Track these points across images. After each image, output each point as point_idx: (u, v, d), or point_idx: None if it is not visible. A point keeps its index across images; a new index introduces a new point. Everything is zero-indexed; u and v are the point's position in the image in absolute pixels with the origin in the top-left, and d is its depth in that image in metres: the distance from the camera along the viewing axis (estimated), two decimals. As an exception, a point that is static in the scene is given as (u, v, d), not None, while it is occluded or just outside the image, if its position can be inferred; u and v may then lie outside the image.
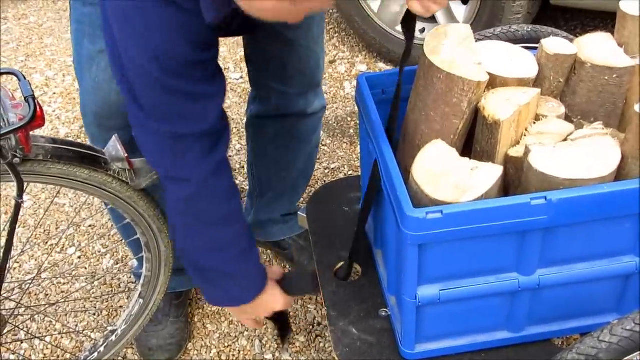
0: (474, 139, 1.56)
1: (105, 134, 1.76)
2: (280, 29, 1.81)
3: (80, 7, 1.67)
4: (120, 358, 2.24)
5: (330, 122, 3.15)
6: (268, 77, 1.97)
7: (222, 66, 2.86)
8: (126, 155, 1.56)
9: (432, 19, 3.32)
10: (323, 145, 3.02)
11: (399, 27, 3.35)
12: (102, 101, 1.73)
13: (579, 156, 1.39)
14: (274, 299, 1.79)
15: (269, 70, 1.95)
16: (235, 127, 3.10)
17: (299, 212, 2.12)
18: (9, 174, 1.42)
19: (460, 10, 3.23)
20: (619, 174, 1.41)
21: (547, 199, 1.34)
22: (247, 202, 2.45)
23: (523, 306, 1.57)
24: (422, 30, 3.36)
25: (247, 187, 2.40)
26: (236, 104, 3.23)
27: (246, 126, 2.21)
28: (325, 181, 2.83)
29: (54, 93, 3.46)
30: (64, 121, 3.25)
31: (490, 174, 1.39)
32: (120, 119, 1.73)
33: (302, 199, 2.51)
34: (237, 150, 3.00)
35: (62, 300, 2.43)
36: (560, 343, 1.90)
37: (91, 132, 1.85)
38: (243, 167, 2.88)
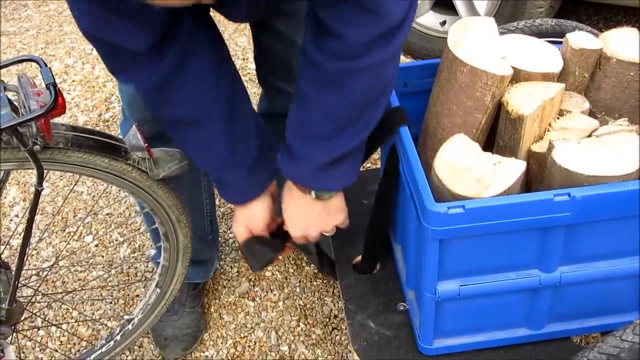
0: (497, 134, 1.54)
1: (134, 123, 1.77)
2: (285, 29, 1.79)
3: None
4: (136, 347, 2.24)
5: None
6: (274, 77, 1.95)
7: (241, 55, 2.82)
8: (146, 144, 1.56)
9: (454, 12, 3.30)
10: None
11: (419, 19, 3.33)
12: (132, 92, 1.72)
13: (603, 153, 1.38)
14: (253, 215, 1.71)
15: (275, 72, 1.93)
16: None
17: None
18: (29, 161, 1.42)
19: (481, 4, 3.20)
20: (644, 172, 1.40)
21: (571, 196, 1.32)
22: None
23: (543, 303, 1.56)
24: (443, 23, 3.34)
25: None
26: (255, 94, 3.22)
27: None
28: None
29: (73, 81, 3.46)
30: (83, 109, 3.25)
31: (513, 169, 1.38)
32: (145, 110, 1.73)
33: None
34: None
35: (79, 288, 2.43)
36: (579, 341, 1.89)
37: (126, 117, 1.87)
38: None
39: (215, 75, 1.50)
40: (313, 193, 1.54)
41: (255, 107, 1.74)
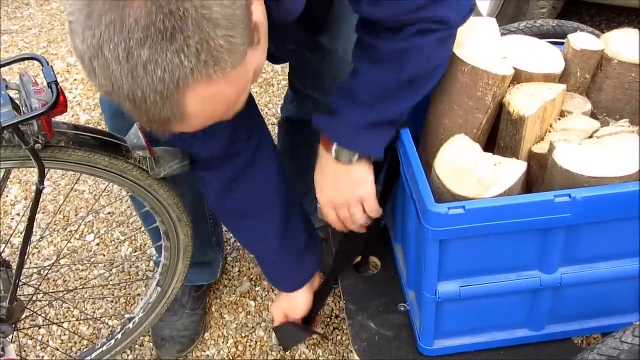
0: (498, 135, 1.54)
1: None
2: (319, 38, 1.79)
3: None
4: (137, 346, 2.24)
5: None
6: (306, 84, 1.95)
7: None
8: (147, 143, 1.56)
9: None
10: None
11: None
12: (115, 106, 1.72)
13: (604, 154, 1.38)
14: (293, 306, 1.86)
15: (306, 78, 1.93)
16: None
17: (318, 205, 2.11)
18: (31, 159, 1.42)
19: (484, 4, 3.21)
20: (645, 173, 1.40)
21: (572, 197, 1.32)
22: None
23: (544, 304, 1.56)
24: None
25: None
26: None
27: (279, 125, 2.21)
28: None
29: (75, 80, 3.46)
30: (85, 108, 3.25)
31: (514, 170, 1.37)
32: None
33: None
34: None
35: (81, 287, 2.43)
36: (580, 342, 1.89)
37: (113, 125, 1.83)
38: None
39: (280, 170, 1.67)
40: (333, 151, 1.52)
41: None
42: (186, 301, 2.25)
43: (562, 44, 1.60)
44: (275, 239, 1.71)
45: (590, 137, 1.46)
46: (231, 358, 2.19)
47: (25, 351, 2.24)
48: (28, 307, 1.85)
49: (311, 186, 2.30)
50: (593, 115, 1.56)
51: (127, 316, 2.04)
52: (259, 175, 1.61)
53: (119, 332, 2.02)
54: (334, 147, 1.51)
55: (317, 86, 1.90)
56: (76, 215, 2.71)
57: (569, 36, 1.57)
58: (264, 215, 1.69)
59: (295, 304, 1.84)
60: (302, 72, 1.93)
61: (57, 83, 1.37)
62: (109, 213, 2.71)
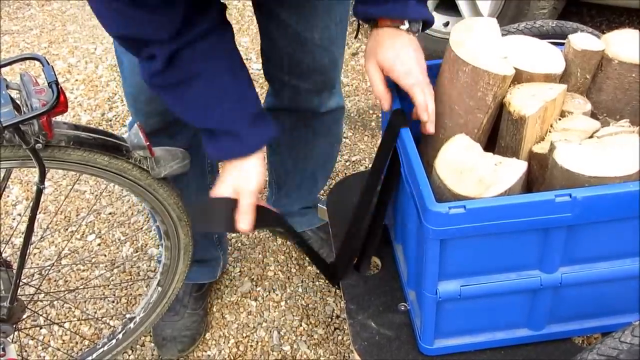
0: (498, 135, 1.54)
1: (141, 117, 1.80)
2: (295, 26, 1.80)
3: None
4: (138, 345, 2.24)
5: (352, 115, 3.14)
6: (281, 71, 1.95)
7: (244, 56, 2.84)
8: (148, 143, 1.56)
9: (457, 13, 3.30)
10: (344, 137, 3.01)
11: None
12: (139, 85, 1.72)
13: (604, 154, 1.38)
14: (244, 176, 1.57)
15: (282, 65, 1.93)
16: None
17: (319, 205, 2.12)
18: (31, 159, 1.42)
19: (485, 5, 3.21)
20: (645, 173, 1.40)
21: (572, 197, 1.32)
22: (267, 192, 2.45)
23: (544, 304, 1.56)
24: (446, 24, 3.34)
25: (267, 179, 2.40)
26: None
27: None
28: (346, 174, 2.83)
29: (76, 80, 3.47)
30: (86, 108, 3.26)
31: (514, 169, 1.37)
32: (155, 103, 1.76)
33: (322, 192, 2.50)
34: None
35: (81, 287, 2.44)
36: (580, 342, 1.89)
37: (130, 113, 1.88)
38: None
39: (233, 43, 1.53)
40: (407, 23, 1.53)
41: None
42: (187, 301, 2.25)
43: (562, 44, 1.60)
44: (230, 96, 1.53)
45: (591, 137, 1.46)
46: (232, 358, 2.20)
47: (26, 351, 2.24)
48: (29, 307, 1.86)
49: (303, 180, 2.30)
50: (593, 115, 1.56)
51: (128, 316, 2.04)
52: (213, 42, 1.48)
53: (119, 332, 2.02)
54: (406, 22, 1.53)
55: (293, 71, 1.91)
56: (77, 215, 2.72)
57: (570, 36, 1.57)
58: (217, 75, 1.51)
59: (246, 173, 1.56)
60: (276, 57, 1.93)
61: (57, 83, 1.38)
62: (109, 213, 2.71)
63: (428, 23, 1.57)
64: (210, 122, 1.54)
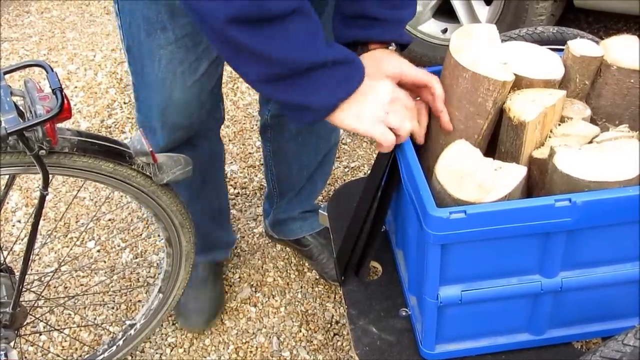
0: (498, 140, 1.55)
1: (168, 130, 1.82)
2: None
3: (129, 1, 1.64)
4: (138, 352, 2.24)
5: (351, 121, 3.15)
6: None
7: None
8: (151, 149, 1.57)
9: (455, 20, 3.31)
10: (343, 144, 3.02)
11: (421, 27, 3.35)
12: (168, 97, 1.75)
13: (604, 158, 1.38)
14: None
15: None
16: (256, 124, 3.11)
17: (319, 210, 2.12)
18: (35, 165, 1.43)
19: (483, 11, 3.22)
20: (645, 178, 1.41)
21: (572, 201, 1.33)
22: (265, 204, 2.47)
23: (545, 308, 1.56)
24: (445, 31, 3.35)
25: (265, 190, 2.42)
26: (256, 101, 3.23)
27: (263, 128, 2.20)
28: (345, 180, 2.83)
29: (76, 87, 3.47)
30: (85, 115, 3.27)
31: (514, 174, 1.38)
32: (183, 116, 1.79)
33: (321, 197, 2.51)
34: (257, 147, 3.01)
35: (81, 293, 2.44)
36: (580, 346, 1.90)
37: (151, 126, 1.84)
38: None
39: None
40: (393, 45, 1.52)
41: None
42: (206, 276, 2.34)
43: (562, 50, 1.61)
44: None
45: (590, 142, 1.46)
46: (232, 364, 2.20)
47: (26, 357, 2.24)
48: (30, 313, 1.86)
49: (305, 185, 2.32)
50: (592, 120, 1.57)
51: (128, 322, 2.05)
52: None
53: (120, 339, 2.03)
54: (393, 45, 1.51)
55: None
56: (77, 222, 2.72)
57: (569, 42, 1.58)
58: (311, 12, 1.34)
59: (381, 90, 1.42)
60: None
61: (61, 89, 1.39)
62: (109, 220, 2.72)
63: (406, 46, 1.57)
64: (323, 53, 1.32)
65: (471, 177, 1.39)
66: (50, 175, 1.49)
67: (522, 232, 1.38)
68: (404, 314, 1.73)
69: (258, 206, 2.74)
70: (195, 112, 1.80)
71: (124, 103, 3.34)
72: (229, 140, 3.07)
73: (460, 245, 1.40)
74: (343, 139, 3.03)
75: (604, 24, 3.69)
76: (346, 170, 2.89)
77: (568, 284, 1.50)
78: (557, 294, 1.53)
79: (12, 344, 1.75)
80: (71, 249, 2.60)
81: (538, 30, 2.05)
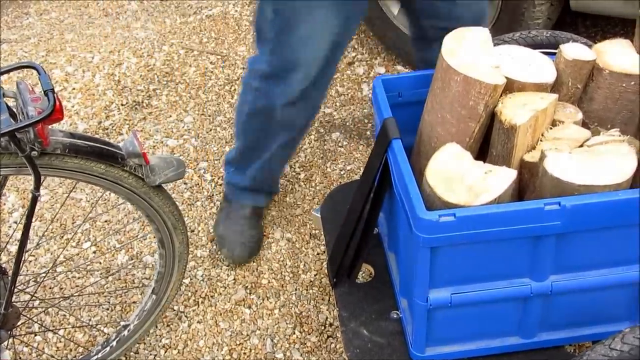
0: (490, 143, 1.56)
1: (311, 87, 2.01)
2: None
3: None
4: (132, 353, 2.25)
5: (347, 124, 3.15)
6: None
7: (241, 65, 2.84)
8: (143, 151, 1.57)
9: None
10: (339, 146, 3.02)
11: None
12: (316, 51, 1.90)
13: (594, 163, 1.39)
14: None
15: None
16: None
17: (313, 212, 2.13)
18: (27, 166, 1.43)
19: (480, 15, 3.22)
20: (635, 182, 1.41)
21: (561, 205, 1.34)
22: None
23: (535, 312, 1.57)
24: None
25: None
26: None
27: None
28: (340, 182, 2.83)
29: (74, 88, 3.47)
30: (83, 116, 3.27)
31: (504, 177, 1.39)
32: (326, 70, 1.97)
33: (315, 200, 2.52)
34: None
35: (76, 294, 2.44)
36: (572, 350, 1.90)
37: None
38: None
39: None
40: None
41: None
42: (250, 216, 2.49)
43: (554, 54, 1.61)
44: None
45: (581, 146, 1.47)
46: (226, 365, 2.20)
47: (20, 358, 2.24)
48: (24, 313, 1.86)
49: None
50: (584, 124, 1.58)
51: (122, 323, 2.05)
52: None
53: (114, 340, 2.03)
54: None
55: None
56: (73, 223, 2.72)
57: (561, 46, 1.59)
58: None
59: None
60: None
61: (53, 91, 1.39)
62: (105, 221, 2.72)
63: None
64: None
65: (461, 180, 1.40)
66: (43, 177, 1.49)
67: (512, 236, 1.38)
68: (395, 316, 1.74)
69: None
70: None
71: (122, 105, 3.34)
72: (229, 140, 3.07)
73: (449, 248, 1.40)
74: (339, 141, 3.03)
75: (601, 28, 3.68)
76: (342, 172, 2.89)
77: (558, 288, 1.50)
78: (547, 298, 1.53)
79: (4, 344, 1.76)
80: (65, 249, 2.60)
81: (531, 34, 2.05)
